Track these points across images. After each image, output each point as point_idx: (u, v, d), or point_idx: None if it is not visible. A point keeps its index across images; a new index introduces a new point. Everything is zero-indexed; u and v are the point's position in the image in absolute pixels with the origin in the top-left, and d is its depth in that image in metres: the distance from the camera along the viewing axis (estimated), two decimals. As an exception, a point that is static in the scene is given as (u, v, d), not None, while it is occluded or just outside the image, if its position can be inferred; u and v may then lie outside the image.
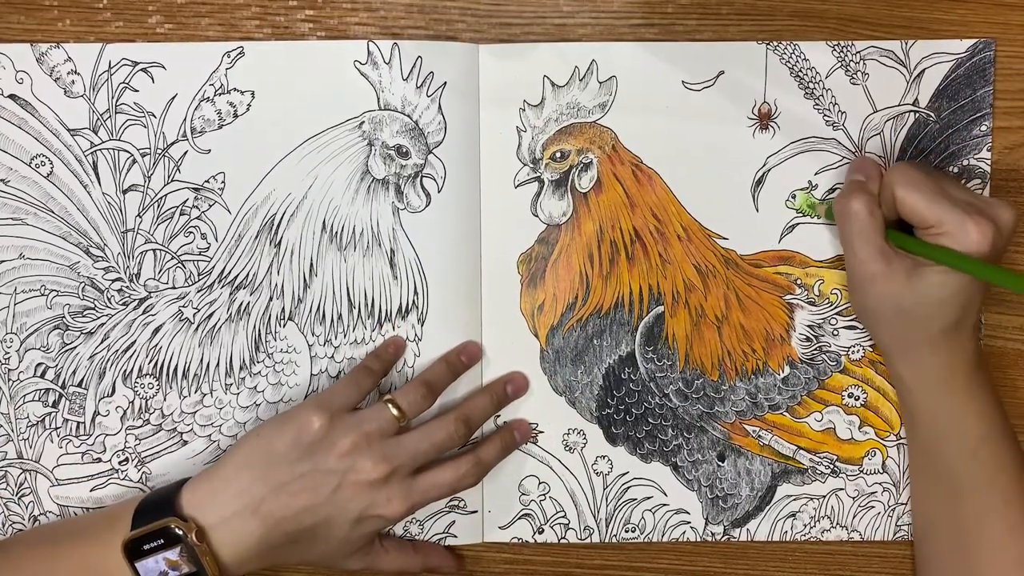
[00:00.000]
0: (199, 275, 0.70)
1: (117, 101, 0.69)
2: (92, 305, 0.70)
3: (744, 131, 0.69)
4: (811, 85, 0.69)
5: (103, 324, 0.70)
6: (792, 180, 0.70)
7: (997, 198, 0.66)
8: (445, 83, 0.68)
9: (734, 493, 0.72)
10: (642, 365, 0.71)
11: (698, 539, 0.73)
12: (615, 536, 0.73)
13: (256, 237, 0.69)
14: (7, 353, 0.71)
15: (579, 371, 0.71)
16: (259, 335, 0.70)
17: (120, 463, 0.71)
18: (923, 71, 0.69)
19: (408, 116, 0.68)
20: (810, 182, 0.70)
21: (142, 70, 0.69)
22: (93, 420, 0.71)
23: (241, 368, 0.70)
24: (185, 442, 0.71)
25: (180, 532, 0.61)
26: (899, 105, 0.69)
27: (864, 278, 0.63)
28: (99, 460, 0.71)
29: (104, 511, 0.67)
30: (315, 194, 0.69)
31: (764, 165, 0.70)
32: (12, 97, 0.69)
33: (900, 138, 0.69)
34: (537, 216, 0.70)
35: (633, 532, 0.73)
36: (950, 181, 0.64)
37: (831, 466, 0.72)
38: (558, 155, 0.70)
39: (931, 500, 0.67)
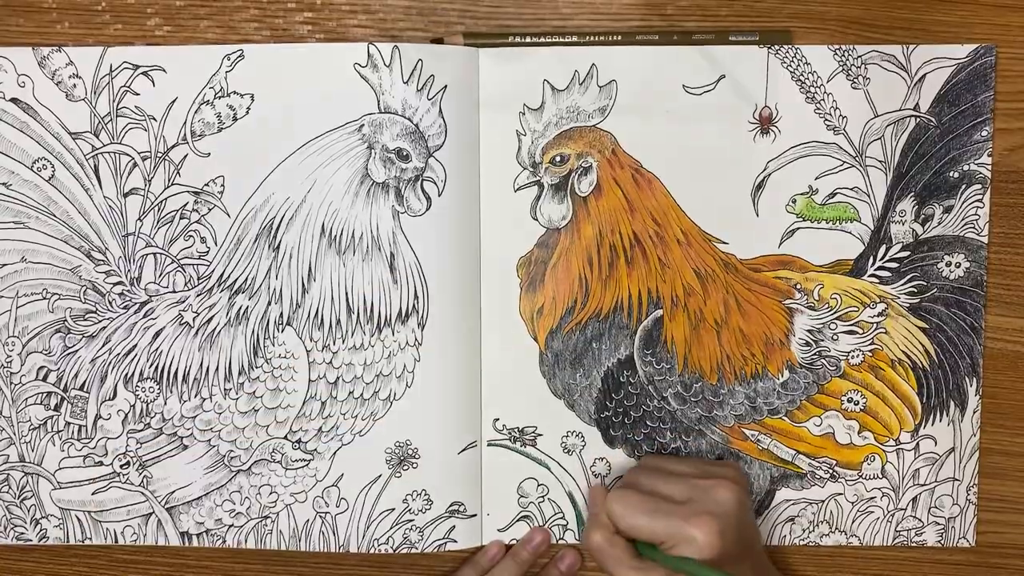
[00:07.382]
0: (199, 279, 0.70)
1: (118, 104, 0.69)
2: (93, 308, 0.71)
3: (745, 135, 0.69)
4: (812, 89, 0.69)
5: (104, 327, 0.71)
6: (793, 185, 0.70)
7: (720, 461, 0.70)
8: (446, 86, 0.68)
9: (733, 497, 0.72)
10: (641, 368, 0.71)
11: (697, 543, 0.73)
12: (614, 539, 0.73)
13: (255, 241, 0.69)
14: (9, 356, 0.71)
15: (578, 374, 0.71)
16: (257, 340, 0.70)
17: (122, 467, 0.72)
18: (924, 76, 0.68)
19: (408, 119, 0.68)
20: (811, 187, 0.70)
21: (143, 73, 0.69)
22: (95, 423, 0.71)
23: (240, 373, 0.71)
24: (185, 447, 0.72)
25: None
26: (900, 110, 0.69)
27: None
28: (100, 463, 0.72)
29: None
30: (314, 198, 0.69)
31: (764, 169, 0.69)
32: (14, 101, 0.69)
33: (901, 143, 0.69)
34: (537, 220, 0.70)
35: (632, 536, 0.73)
36: (667, 476, 0.65)
37: (830, 471, 0.72)
38: (558, 159, 0.70)
39: None
